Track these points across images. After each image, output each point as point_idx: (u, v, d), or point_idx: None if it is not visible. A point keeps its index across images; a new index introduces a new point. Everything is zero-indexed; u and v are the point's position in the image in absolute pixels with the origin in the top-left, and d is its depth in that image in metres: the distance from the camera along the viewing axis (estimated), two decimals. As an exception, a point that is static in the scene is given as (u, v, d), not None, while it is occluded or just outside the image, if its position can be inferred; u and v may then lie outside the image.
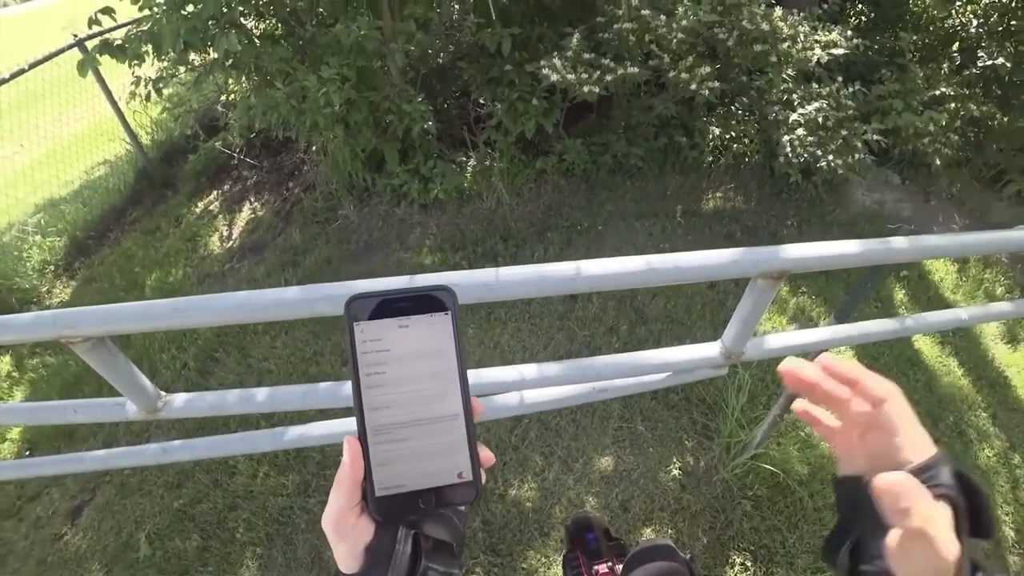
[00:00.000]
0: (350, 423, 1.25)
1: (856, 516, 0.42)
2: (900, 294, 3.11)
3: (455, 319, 0.42)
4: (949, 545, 0.35)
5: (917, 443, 0.42)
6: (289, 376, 2.67)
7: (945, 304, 3.04)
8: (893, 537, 0.37)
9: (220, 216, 4.14)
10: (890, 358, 2.67)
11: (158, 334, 2.99)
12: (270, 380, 2.65)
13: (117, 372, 1.01)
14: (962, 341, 2.83)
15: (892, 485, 0.37)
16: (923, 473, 0.39)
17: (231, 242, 3.85)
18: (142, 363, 2.87)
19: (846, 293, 2.89)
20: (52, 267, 3.94)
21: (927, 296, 3.11)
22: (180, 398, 1.13)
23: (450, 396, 0.41)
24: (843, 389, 0.45)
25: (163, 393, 1.12)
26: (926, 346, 2.78)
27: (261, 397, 1.13)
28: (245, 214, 4.09)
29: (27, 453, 2.62)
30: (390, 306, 0.41)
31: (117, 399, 1.12)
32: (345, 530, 0.39)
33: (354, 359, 0.40)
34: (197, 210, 4.28)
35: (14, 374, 3.13)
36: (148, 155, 4.86)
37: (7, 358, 3.22)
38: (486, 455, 0.43)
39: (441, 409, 0.41)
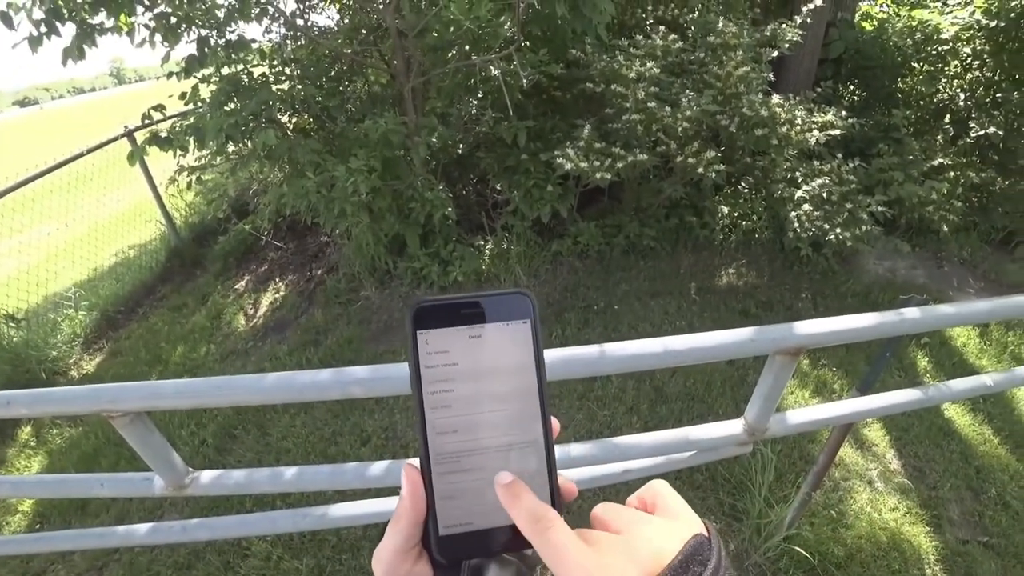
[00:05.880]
0: (373, 504, 1.24)
1: None
2: (923, 361, 3.06)
3: (536, 328, 0.35)
4: None
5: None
6: (308, 456, 2.65)
7: (970, 370, 2.97)
8: None
9: (246, 295, 4.28)
10: (921, 429, 2.58)
11: (178, 411, 3.01)
12: (288, 459, 2.63)
13: (150, 447, 1.03)
14: (995, 408, 2.73)
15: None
16: None
17: (255, 320, 3.96)
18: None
19: (867, 364, 2.85)
20: (81, 339, 4.06)
21: (951, 362, 3.04)
22: (208, 475, 1.14)
23: (528, 419, 0.35)
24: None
25: (191, 469, 1.14)
26: (957, 415, 2.69)
27: (289, 476, 1.14)
28: (270, 294, 4.23)
29: (38, 527, 2.57)
30: (459, 313, 0.34)
31: (145, 474, 1.13)
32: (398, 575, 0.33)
33: (417, 374, 0.34)
34: (224, 289, 4.44)
35: (31, 443, 3.13)
36: (180, 235, 5.15)
37: (28, 428, 3.23)
38: (568, 488, 0.37)
39: (517, 434, 0.35)
